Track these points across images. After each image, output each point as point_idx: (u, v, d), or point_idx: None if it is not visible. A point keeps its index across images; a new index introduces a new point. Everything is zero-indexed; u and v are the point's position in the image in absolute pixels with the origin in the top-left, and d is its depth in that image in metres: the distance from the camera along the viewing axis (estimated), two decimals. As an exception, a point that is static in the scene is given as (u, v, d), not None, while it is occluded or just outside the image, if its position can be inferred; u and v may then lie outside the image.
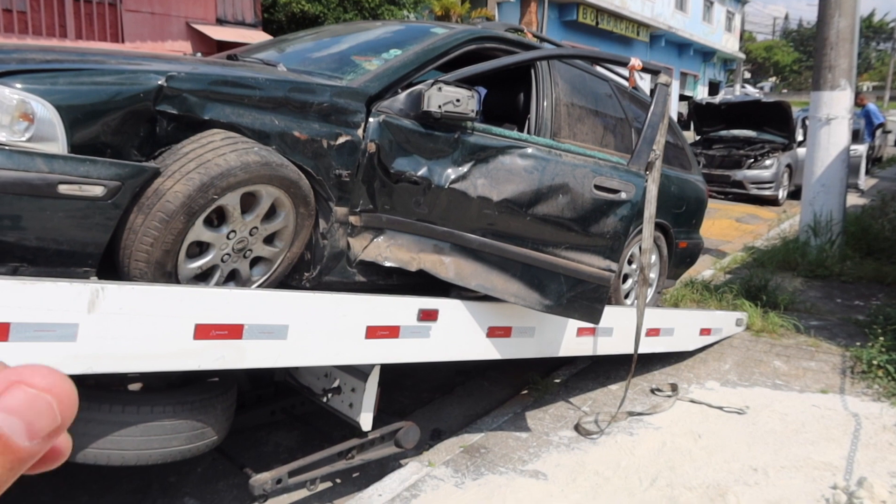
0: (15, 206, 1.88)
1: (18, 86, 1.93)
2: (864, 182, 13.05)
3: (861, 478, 2.94)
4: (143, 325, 2.01)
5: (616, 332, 3.67)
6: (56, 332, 1.88)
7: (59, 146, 1.95)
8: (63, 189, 1.92)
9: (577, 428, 3.52)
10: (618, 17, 23.50)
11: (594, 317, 3.07)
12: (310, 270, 2.58)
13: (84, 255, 2.04)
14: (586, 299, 3.05)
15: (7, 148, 1.88)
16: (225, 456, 2.88)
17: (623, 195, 3.12)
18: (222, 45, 10.75)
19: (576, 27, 22.03)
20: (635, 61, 3.27)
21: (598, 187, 3.09)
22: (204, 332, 2.12)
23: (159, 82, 2.09)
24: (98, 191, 1.97)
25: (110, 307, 1.95)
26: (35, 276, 1.93)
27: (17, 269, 1.97)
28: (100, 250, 2.06)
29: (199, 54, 3.75)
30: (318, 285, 2.60)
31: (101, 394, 2.26)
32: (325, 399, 2.89)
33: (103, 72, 2.08)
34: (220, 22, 11.79)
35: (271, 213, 2.37)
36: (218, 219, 2.25)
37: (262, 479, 2.53)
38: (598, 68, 4.07)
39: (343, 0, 12.79)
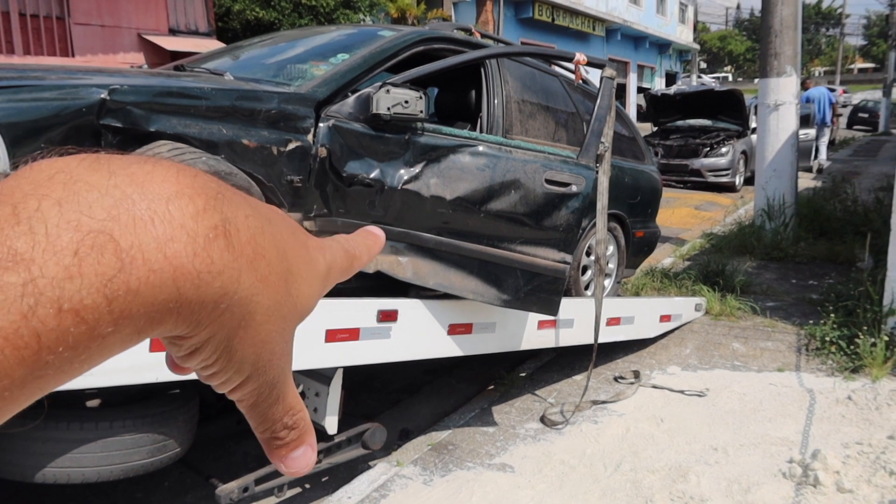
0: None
1: (-44, 105, 1.91)
2: (825, 160, 13.50)
3: (815, 450, 3.05)
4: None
5: (577, 323, 3.74)
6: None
7: (2, 165, 1.94)
8: (7, 208, 1.90)
9: (542, 419, 3.58)
10: (573, 12, 23.76)
11: (552, 309, 3.13)
12: (266, 277, 2.58)
13: (33, 274, 2.02)
14: (544, 292, 3.10)
15: (-53, 169, 1.86)
16: (191, 468, 2.87)
17: (574, 188, 3.18)
18: (176, 56, 10.63)
19: (532, 24, 22.22)
20: (580, 56, 3.33)
21: (549, 181, 3.14)
22: (160, 343, 2.11)
23: (102, 96, 2.08)
24: (44, 208, 1.96)
25: (62, 324, 1.93)
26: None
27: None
28: (49, 267, 2.04)
29: (144, 66, 3.72)
30: (276, 292, 2.60)
31: (58, 412, 2.25)
32: (289, 405, 2.89)
33: (43, 87, 2.06)
34: (173, 32, 11.65)
35: (223, 222, 2.37)
36: (169, 230, 2.25)
37: (228, 489, 2.53)
38: (550, 65, 4.14)
39: (298, 6, 12.72)
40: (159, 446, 2.35)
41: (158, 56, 10.78)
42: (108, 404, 2.42)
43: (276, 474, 2.66)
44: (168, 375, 2.16)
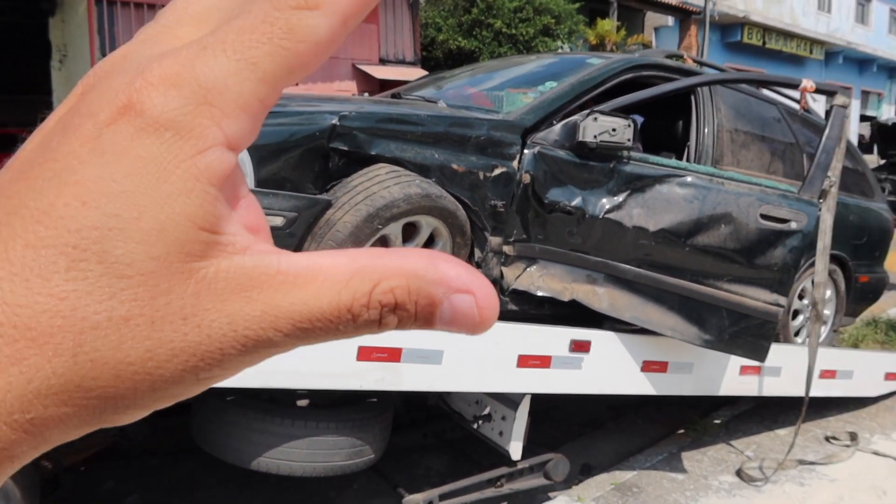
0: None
1: (214, 128, 2.17)
2: None
3: None
4: (312, 345, 2.16)
5: (784, 371, 3.42)
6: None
7: (249, 181, 2.16)
8: (248, 220, 2.13)
9: (739, 473, 3.30)
10: (788, 35, 22.07)
11: (760, 354, 2.89)
12: (464, 298, 2.64)
13: (263, 281, 2.24)
14: (751, 335, 2.87)
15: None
16: (381, 475, 3.00)
17: (793, 225, 2.93)
18: (384, 83, 11.36)
19: (740, 49, 20.96)
20: (807, 83, 3.07)
21: (764, 216, 2.92)
22: (366, 353, 2.25)
23: (333, 122, 2.27)
24: (278, 221, 2.16)
25: (285, 327, 2.12)
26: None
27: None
28: (277, 275, 2.25)
29: (366, 94, 4.01)
30: (472, 313, 2.66)
31: (273, 407, 2.46)
32: (475, 425, 2.94)
33: (286, 114, 2.29)
34: (383, 61, 12.49)
35: (430, 243, 2.47)
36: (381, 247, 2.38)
37: (414, 500, 2.61)
38: (765, 90, 3.87)
39: (498, 34, 13.08)
40: (357, 450, 2.48)
41: (368, 84, 11.60)
42: (314, 406, 2.61)
43: (460, 492, 2.70)
44: (370, 384, 2.28)
